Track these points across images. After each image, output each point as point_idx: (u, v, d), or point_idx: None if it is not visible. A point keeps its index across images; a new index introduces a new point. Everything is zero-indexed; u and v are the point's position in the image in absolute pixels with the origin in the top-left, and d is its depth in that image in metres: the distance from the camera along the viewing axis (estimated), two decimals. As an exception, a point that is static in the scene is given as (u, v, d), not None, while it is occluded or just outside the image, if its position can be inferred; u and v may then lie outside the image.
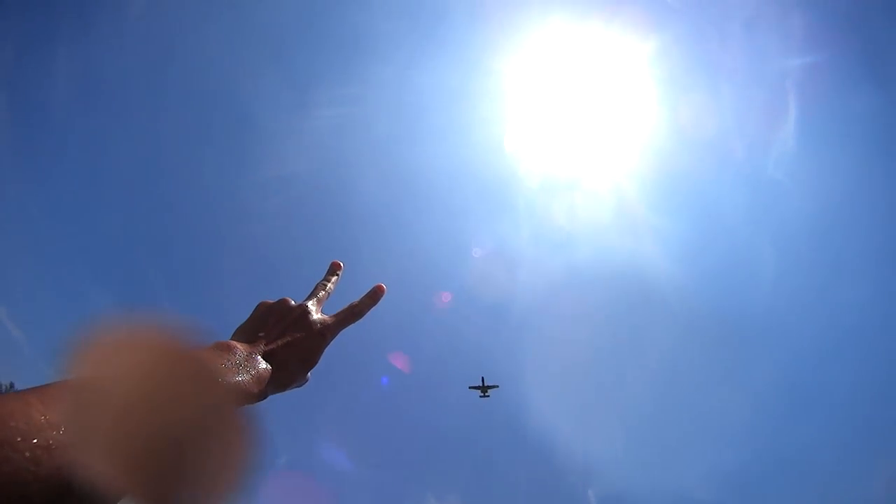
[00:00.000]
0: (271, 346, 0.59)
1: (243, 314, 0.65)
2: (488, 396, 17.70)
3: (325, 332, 0.64)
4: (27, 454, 0.28)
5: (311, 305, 0.66)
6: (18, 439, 0.29)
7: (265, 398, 0.56)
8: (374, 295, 0.70)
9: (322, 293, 0.69)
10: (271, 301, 0.65)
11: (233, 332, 0.62)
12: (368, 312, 0.70)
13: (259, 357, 0.56)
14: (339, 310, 0.68)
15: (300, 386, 0.63)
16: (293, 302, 0.65)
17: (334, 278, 0.73)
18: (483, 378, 17.40)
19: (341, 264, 0.74)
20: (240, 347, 0.57)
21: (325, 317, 0.66)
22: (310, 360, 0.62)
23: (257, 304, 0.65)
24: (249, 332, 0.61)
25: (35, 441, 0.29)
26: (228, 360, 0.52)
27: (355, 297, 0.70)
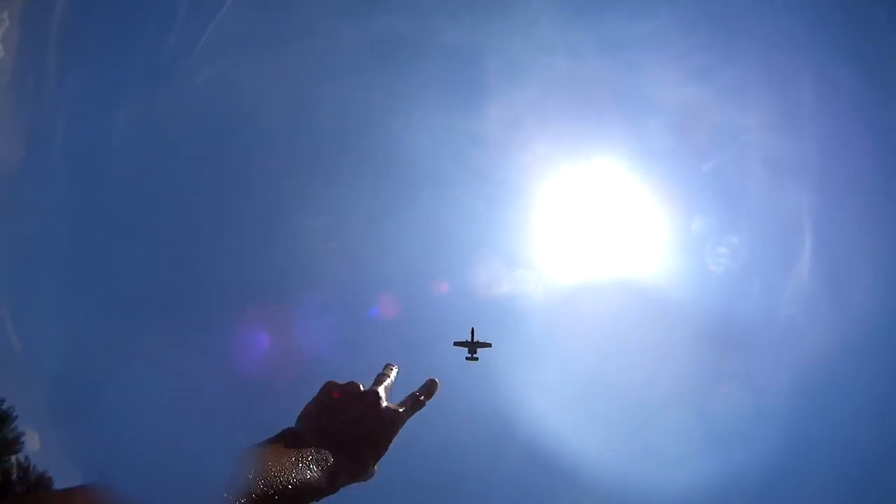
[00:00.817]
0: (344, 435, 0.57)
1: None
2: (476, 359, 16.91)
3: (397, 421, 0.62)
4: None
5: (382, 392, 0.63)
6: None
7: (336, 491, 0.55)
8: (430, 388, 0.69)
9: (388, 381, 0.67)
10: (340, 382, 0.63)
11: (298, 414, 0.60)
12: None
13: (327, 449, 0.54)
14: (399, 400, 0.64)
15: (368, 479, 0.61)
16: (362, 387, 0.63)
17: (394, 372, 0.70)
18: (473, 330, 15.29)
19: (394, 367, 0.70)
20: (310, 438, 0.55)
21: (394, 405, 0.64)
22: (381, 448, 0.60)
23: (324, 383, 0.63)
24: (318, 418, 0.59)
25: None
26: (298, 455, 0.51)
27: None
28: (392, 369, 0.70)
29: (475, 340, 15.62)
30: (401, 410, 0.64)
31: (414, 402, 0.67)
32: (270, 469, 0.47)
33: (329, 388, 0.63)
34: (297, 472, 0.49)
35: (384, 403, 0.62)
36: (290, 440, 0.55)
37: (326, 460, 0.53)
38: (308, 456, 0.52)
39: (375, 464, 0.61)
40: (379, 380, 0.67)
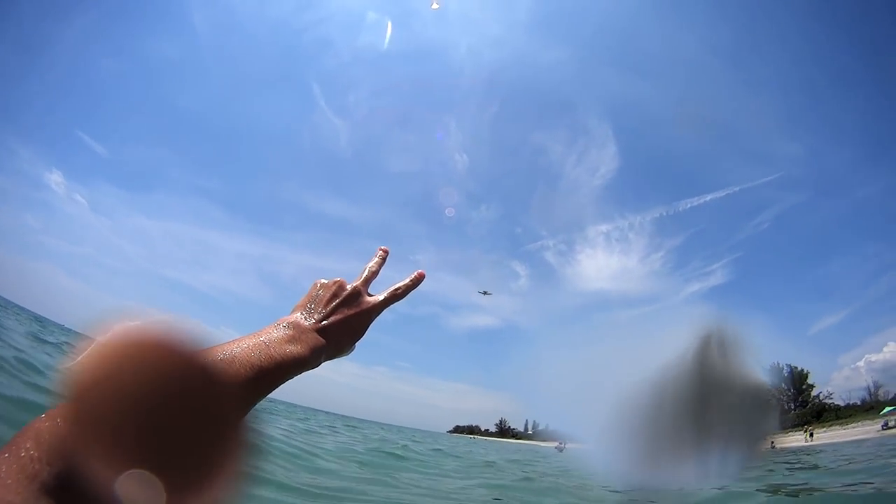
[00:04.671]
0: (327, 322, 0.68)
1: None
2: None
3: (372, 311, 0.73)
4: None
5: (362, 286, 0.74)
6: None
7: (319, 365, 0.66)
8: (416, 280, 0.80)
9: (368, 274, 0.77)
10: (326, 280, 0.73)
11: (292, 307, 0.70)
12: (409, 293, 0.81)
13: (315, 331, 0.65)
14: (383, 290, 0.77)
15: (347, 354, 0.72)
16: (347, 284, 0.73)
17: (378, 260, 0.81)
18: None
19: (387, 250, 0.82)
20: (301, 323, 0.65)
21: (373, 297, 0.74)
22: (358, 333, 0.71)
23: (313, 282, 0.73)
24: (307, 308, 0.69)
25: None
26: (289, 333, 0.61)
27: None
28: (380, 259, 0.81)
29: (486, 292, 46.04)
30: (378, 302, 0.74)
31: (393, 294, 0.77)
32: (267, 345, 0.58)
33: (317, 284, 0.73)
34: (289, 349, 0.60)
35: (364, 297, 0.73)
36: (286, 325, 0.65)
37: (313, 339, 0.64)
38: (296, 336, 0.63)
39: (353, 344, 0.72)
40: (364, 275, 0.77)
